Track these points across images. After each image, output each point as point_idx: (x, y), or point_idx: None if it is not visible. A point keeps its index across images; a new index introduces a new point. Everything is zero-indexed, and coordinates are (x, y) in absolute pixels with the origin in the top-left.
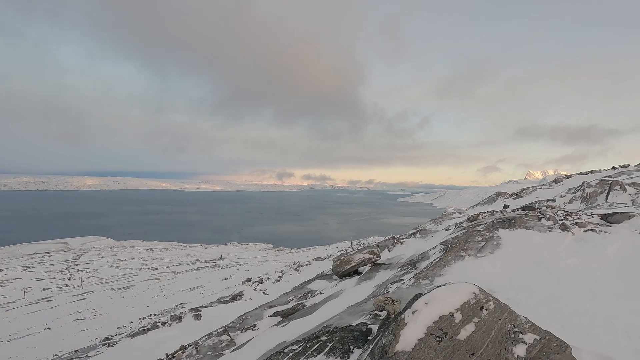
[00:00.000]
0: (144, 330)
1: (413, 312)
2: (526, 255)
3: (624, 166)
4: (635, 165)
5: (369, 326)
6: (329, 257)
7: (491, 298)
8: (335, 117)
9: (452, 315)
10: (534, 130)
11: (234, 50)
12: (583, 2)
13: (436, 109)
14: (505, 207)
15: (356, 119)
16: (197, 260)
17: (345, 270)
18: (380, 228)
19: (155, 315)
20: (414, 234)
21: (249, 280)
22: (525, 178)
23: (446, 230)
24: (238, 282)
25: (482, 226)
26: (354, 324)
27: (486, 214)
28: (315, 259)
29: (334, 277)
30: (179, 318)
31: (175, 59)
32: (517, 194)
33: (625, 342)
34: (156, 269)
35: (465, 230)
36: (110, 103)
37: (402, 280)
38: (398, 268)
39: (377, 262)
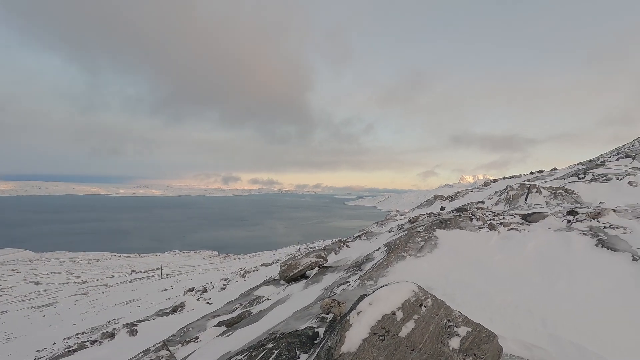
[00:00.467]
0: (69, 351)
1: (358, 313)
2: (460, 253)
3: (540, 171)
4: (548, 171)
5: (316, 329)
6: (276, 262)
7: (429, 295)
8: (284, 121)
9: (394, 314)
10: (466, 138)
11: (177, 47)
12: (505, 27)
13: (380, 116)
14: (442, 209)
15: (304, 124)
16: (134, 270)
17: (292, 275)
18: (327, 231)
19: (83, 333)
20: (359, 236)
21: (191, 289)
22: (459, 182)
23: (389, 232)
24: (180, 293)
25: (421, 227)
26: (300, 329)
27: (425, 216)
28: (263, 265)
29: (282, 282)
30: (112, 335)
31: (109, 52)
32: (452, 197)
33: (542, 327)
34: (85, 282)
35: (406, 232)
36: (28, 98)
37: (348, 282)
38: (344, 270)
39: (324, 265)
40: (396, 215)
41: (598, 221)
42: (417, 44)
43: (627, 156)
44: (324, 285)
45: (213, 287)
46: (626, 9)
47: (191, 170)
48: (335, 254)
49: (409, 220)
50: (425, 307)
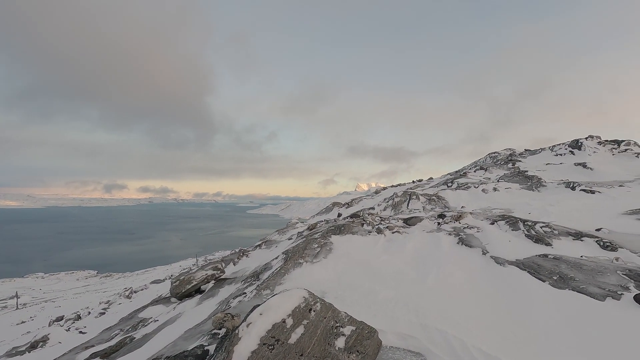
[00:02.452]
0: None
1: (247, 325)
2: (352, 256)
3: (419, 180)
4: (426, 180)
5: (206, 347)
6: (169, 278)
7: (318, 299)
8: (181, 125)
9: (284, 322)
10: (361, 149)
11: (43, 26)
12: (397, 52)
13: (283, 124)
14: (339, 215)
15: (204, 128)
16: None
17: (185, 291)
18: (228, 241)
19: None
20: (259, 245)
21: (59, 318)
22: (355, 189)
23: (289, 239)
24: (43, 324)
25: (318, 234)
26: (189, 349)
27: (323, 223)
28: (153, 282)
29: (173, 299)
30: None
31: None
32: (348, 204)
33: (415, 318)
34: None
35: (304, 239)
36: None
37: (245, 293)
38: (242, 281)
39: (222, 277)
40: (297, 223)
41: (459, 223)
42: (321, 57)
43: (481, 168)
44: (220, 299)
45: (89, 313)
46: (480, 48)
47: (62, 177)
48: (234, 264)
49: (308, 227)
50: (314, 311)
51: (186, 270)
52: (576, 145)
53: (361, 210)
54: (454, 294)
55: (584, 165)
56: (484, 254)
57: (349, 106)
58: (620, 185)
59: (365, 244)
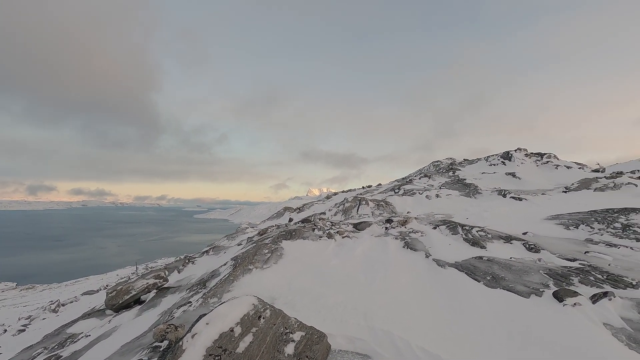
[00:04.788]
0: None
1: (193, 336)
2: (303, 261)
3: (369, 186)
4: (375, 186)
5: None
6: (104, 289)
7: (268, 306)
8: (122, 123)
9: (232, 330)
10: (314, 154)
11: None
12: (351, 59)
13: (235, 127)
14: (290, 220)
15: (148, 128)
16: None
17: (123, 302)
18: (173, 248)
19: None
20: (207, 251)
21: None
22: (307, 194)
23: (238, 245)
24: None
25: (269, 239)
26: None
27: (274, 228)
28: (85, 293)
29: (108, 311)
30: None
31: None
32: (299, 209)
33: (363, 321)
34: None
35: (255, 244)
36: None
37: (190, 302)
38: (187, 290)
39: (165, 286)
40: (247, 228)
41: (405, 227)
42: (277, 61)
43: (425, 176)
44: (162, 309)
45: (5, 330)
46: (429, 62)
47: None
48: (179, 272)
49: (259, 233)
50: (264, 318)
51: (124, 279)
52: (507, 156)
53: (312, 215)
54: (399, 295)
55: (513, 174)
56: (427, 257)
57: (303, 111)
58: (542, 194)
59: (316, 248)
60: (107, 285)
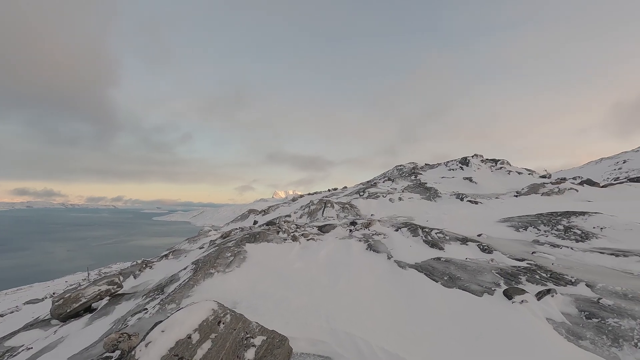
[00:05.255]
0: None
1: (147, 345)
2: (266, 265)
3: (334, 189)
4: (341, 189)
5: None
6: (50, 297)
7: (228, 311)
8: (74, 118)
9: (189, 337)
10: (280, 156)
11: None
12: (320, 63)
13: (199, 127)
14: (255, 222)
15: (104, 124)
16: None
17: (72, 310)
18: (130, 252)
19: None
20: (166, 255)
21: None
22: (273, 196)
23: (200, 248)
24: None
25: (232, 242)
26: None
27: (238, 230)
28: (28, 302)
29: (54, 321)
30: None
31: None
32: (265, 211)
33: (325, 323)
34: None
35: (217, 247)
36: None
37: (146, 309)
38: (143, 296)
39: (119, 292)
40: (210, 231)
41: (369, 229)
42: (244, 62)
43: (389, 179)
44: (115, 317)
45: None
46: (396, 68)
47: None
48: (135, 278)
49: (222, 235)
50: (223, 324)
51: (74, 286)
52: (465, 162)
53: (278, 217)
54: (362, 297)
55: (470, 179)
56: (389, 258)
57: (270, 113)
58: (496, 197)
59: (281, 251)
60: (53, 293)
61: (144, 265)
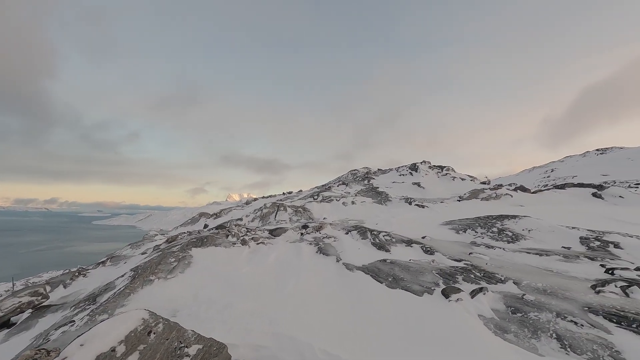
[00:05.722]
0: None
1: None
2: (212, 270)
3: (289, 193)
4: (296, 192)
5: None
6: None
7: (161, 320)
8: (0, 111)
9: (113, 350)
10: (236, 158)
11: None
12: (278, 65)
13: (149, 125)
14: (206, 226)
15: (37, 119)
16: None
17: None
18: (65, 259)
19: None
20: (103, 262)
21: None
22: (226, 200)
23: (143, 254)
24: None
25: (177, 247)
26: None
27: (185, 234)
28: None
29: None
30: None
31: None
32: (217, 214)
33: (269, 328)
34: None
35: (160, 253)
36: None
37: (73, 321)
38: (72, 307)
39: (45, 304)
40: (156, 235)
41: (320, 233)
42: (199, 60)
43: (343, 183)
44: (38, 332)
45: None
46: (352, 75)
47: None
48: (65, 287)
49: (167, 240)
50: (154, 333)
51: None
52: (414, 168)
53: (229, 221)
54: (309, 300)
55: (418, 184)
56: (337, 261)
57: (226, 114)
58: (441, 202)
59: (229, 256)
60: None
61: (77, 274)
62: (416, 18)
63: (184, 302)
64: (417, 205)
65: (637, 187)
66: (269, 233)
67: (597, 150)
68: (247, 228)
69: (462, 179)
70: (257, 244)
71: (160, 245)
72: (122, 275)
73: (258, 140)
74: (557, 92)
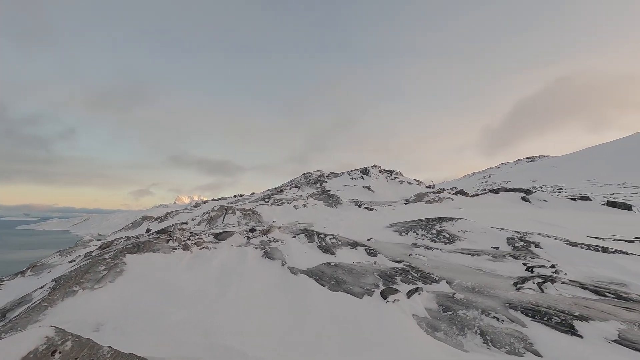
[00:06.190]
0: None
1: None
2: (148, 278)
3: (241, 195)
4: (248, 195)
5: None
6: None
7: (70, 337)
8: None
9: None
10: (186, 159)
11: None
12: (227, 65)
13: (87, 121)
14: (148, 231)
15: None
16: None
17: None
18: None
19: None
20: (23, 272)
21: None
22: (175, 202)
23: (71, 262)
24: None
25: (110, 253)
26: None
27: (122, 240)
28: None
29: None
30: None
31: None
32: (162, 218)
33: (204, 339)
34: None
35: (90, 260)
36: None
37: None
38: None
39: None
40: (91, 240)
41: (267, 236)
42: (149, 53)
43: (296, 186)
44: None
45: None
46: (308, 77)
47: None
48: None
49: (101, 246)
50: (60, 352)
51: None
52: (365, 171)
53: (173, 225)
54: (250, 306)
55: (369, 188)
56: (282, 265)
57: (175, 112)
58: (389, 205)
59: (168, 262)
60: None
61: None
62: (372, 28)
63: (110, 314)
64: (366, 208)
65: (560, 192)
66: (214, 237)
67: (528, 158)
68: (191, 232)
69: (410, 183)
70: (201, 248)
71: (92, 252)
72: (42, 287)
73: (210, 141)
74: (496, 104)
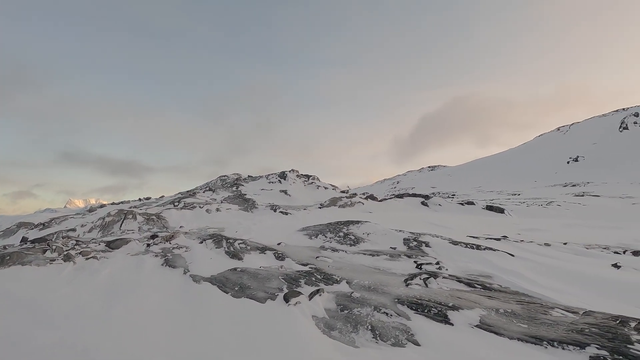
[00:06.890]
0: None
1: None
2: (13, 295)
3: (147, 198)
4: (155, 198)
5: None
6: None
7: None
8: None
9: None
10: (81, 157)
11: None
12: (135, 55)
13: None
14: (24, 240)
15: None
16: None
17: None
18: None
19: None
20: None
21: None
22: (66, 206)
23: None
24: None
25: None
26: None
27: None
28: None
29: None
30: None
31: None
32: (44, 224)
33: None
34: None
35: None
36: None
37: None
38: None
39: None
40: None
41: (170, 243)
42: (32, 28)
43: (210, 189)
44: None
45: None
46: (227, 78)
47: None
48: None
49: None
50: None
51: None
52: (283, 176)
53: (56, 232)
54: (142, 321)
55: (285, 192)
56: (185, 273)
57: (68, 103)
58: (304, 209)
59: (41, 276)
60: None
61: None
62: (296, 36)
63: None
64: (281, 212)
65: (453, 197)
66: (105, 245)
67: (429, 167)
68: (77, 240)
69: (326, 188)
70: (87, 259)
71: None
72: None
73: (113, 138)
74: (404, 117)
